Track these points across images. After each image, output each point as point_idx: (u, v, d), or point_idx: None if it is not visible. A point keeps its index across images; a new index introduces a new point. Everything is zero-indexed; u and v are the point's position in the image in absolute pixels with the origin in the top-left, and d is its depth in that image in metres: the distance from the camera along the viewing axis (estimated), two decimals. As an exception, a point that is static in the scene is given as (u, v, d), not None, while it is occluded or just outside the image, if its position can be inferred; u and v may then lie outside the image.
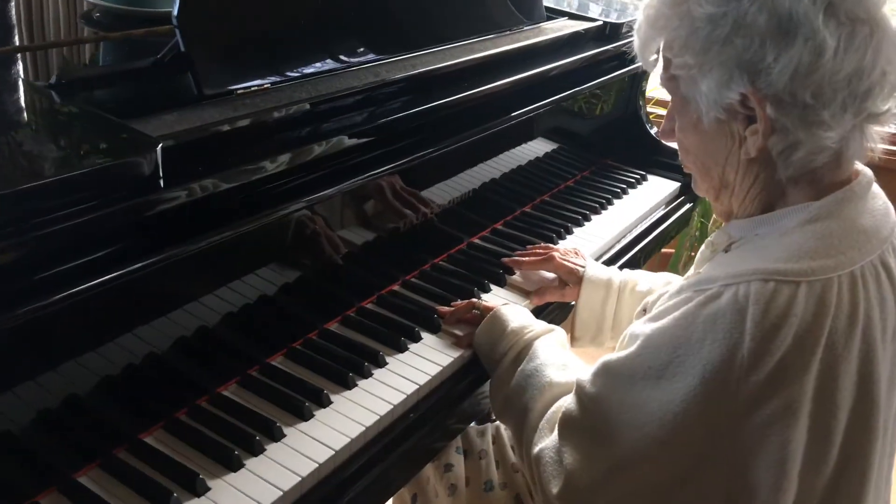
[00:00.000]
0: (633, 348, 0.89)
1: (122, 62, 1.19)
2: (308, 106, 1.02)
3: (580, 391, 0.95)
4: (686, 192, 1.84)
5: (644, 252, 1.69)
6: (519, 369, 1.09)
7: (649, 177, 1.85)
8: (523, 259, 1.40)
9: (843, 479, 0.87)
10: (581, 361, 1.10)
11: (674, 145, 0.99)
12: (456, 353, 1.17)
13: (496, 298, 1.32)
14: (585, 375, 0.96)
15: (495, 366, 1.14)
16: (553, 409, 1.01)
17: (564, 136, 1.71)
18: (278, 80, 1.06)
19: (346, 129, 1.05)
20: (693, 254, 2.41)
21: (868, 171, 0.93)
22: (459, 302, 1.25)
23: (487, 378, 1.17)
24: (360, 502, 0.97)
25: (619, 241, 1.61)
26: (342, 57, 1.17)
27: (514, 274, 1.39)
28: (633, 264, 1.64)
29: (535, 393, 1.04)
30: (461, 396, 1.15)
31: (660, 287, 1.30)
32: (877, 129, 0.87)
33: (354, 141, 1.05)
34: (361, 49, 1.21)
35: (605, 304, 1.32)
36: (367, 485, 0.98)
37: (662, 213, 1.76)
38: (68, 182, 0.74)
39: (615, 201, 1.72)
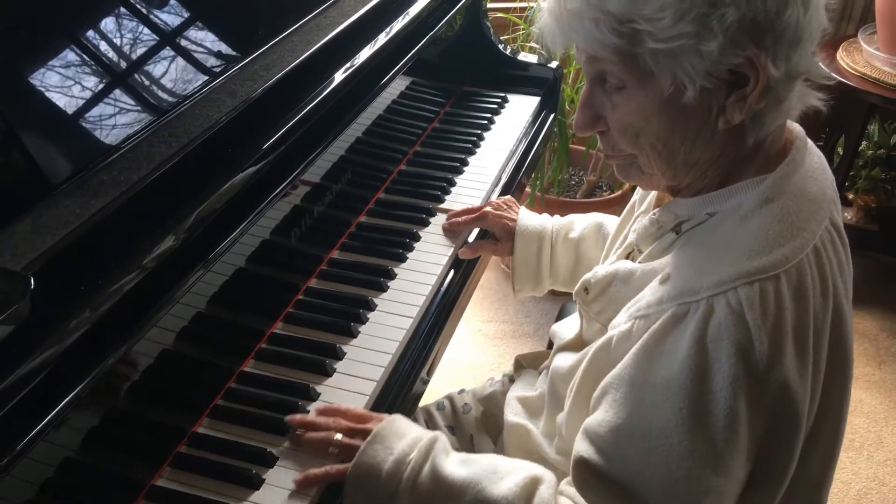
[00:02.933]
0: (646, 399, 0.83)
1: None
2: (176, 158, 0.89)
3: (600, 479, 0.86)
4: (547, 103, 1.83)
5: (528, 173, 1.68)
6: None
7: (510, 97, 1.81)
8: (458, 220, 1.37)
9: (819, 437, 0.91)
10: (478, 454, 0.98)
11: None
12: (385, 358, 1.13)
13: (406, 275, 1.28)
14: (590, 457, 0.86)
15: None
16: None
17: (417, 69, 1.62)
18: (128, 136, 0.92)
19: (228, 166, 0.93)
20: (554, 147, 2.42)
21: (799, 129, 0.93)
22: (315, 420, 1.01)
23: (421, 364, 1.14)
24: None
25: (501, 177, 1.58)
26: (189, 85, 1.03)
27: (414, 248, 1.35)
28: (520, 189, 1.63)
29: None
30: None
31: (589, 226, 1.30)
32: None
33: (244, 173, 0.94)
34: (201, 68, 1.07)
35: (540, 256, 1.31)
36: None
37: (532, 132, 1.73)
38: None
39: (485, 135, 1.67)
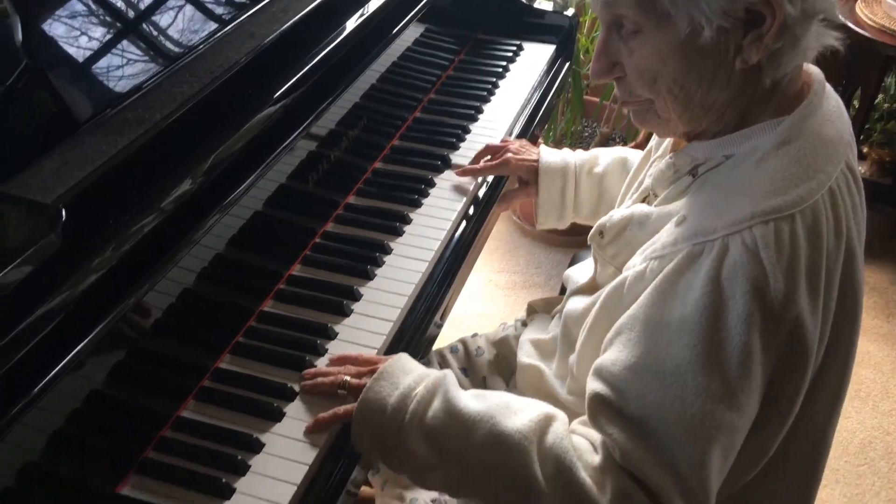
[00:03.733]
0: (661, 337, 0.85)
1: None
2: (198, 99, 0.90)
3: (616, 415, 0.87)
4: (562, 52, 1.82)
5: (541, 124, 1.69)
6: (453, 448, 0.90)
7: (525, 45, 1.80)
8: (476, 167, 1.38)
9: (826, 376, 0.93)
10: (492, 391, 0.98)
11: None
12: (402, 300, 1.15)
13: (422, 220, 1.29)
14: (606, 394, 0.87)
15: (398, 460, 0.93)
16: (565, 457, 0.87)
17: (431, 16, 1.61)
18: (151, 76, 0.93)
19: (246, 107, 0.95)
20: (568, 97, 2.42)
21: (818, 73, 0.93)
22: (324, 369, 1.03)
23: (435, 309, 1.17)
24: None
25: (516, 125, 1.58)
26: (206, 23, 1.04)
27: (429, 194, 1.36)
28: (533, 141, 1.64)
29: (518, 459, 0.87)
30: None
31: (612, 161, 1.31)
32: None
33: (262, 114, 0.96)
34: (220, 10, 1.07)
35: (564, 191, 1.32)
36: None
37: (547, 81, 1.73)
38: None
39: (500, 83, 1.67)
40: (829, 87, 0.94)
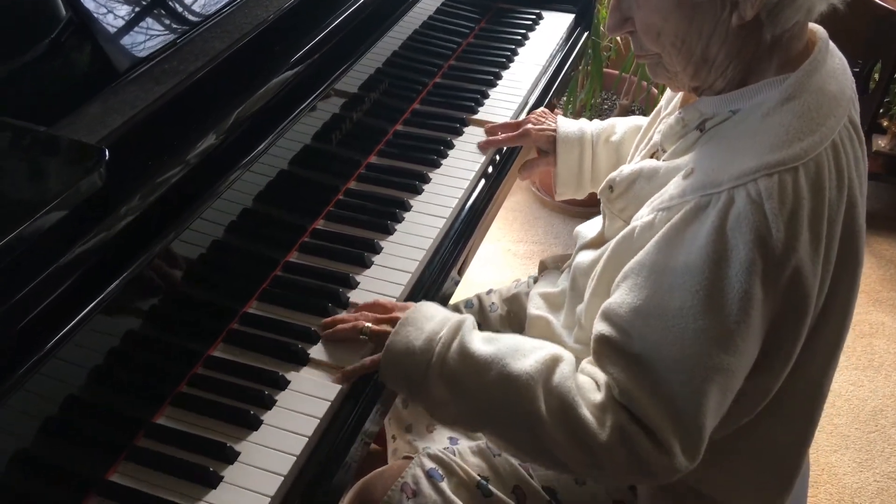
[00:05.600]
0: (665, 281, 0.89)
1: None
2: (229, 53, 0.96)
3: (619, 354, 0.91)
4: (580, 21, 1.85)
5: (559, 92, 1.72)
6: (467, 387, 0.96)
7: (544, 13, 1.83)
8: (497, 138, 1.41)
9: (827, 319, 0.96)
10: (507, 334, 1.02)
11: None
12: (420, 253, 1.20)
13: (440, 179, 1.34)
14: (611, 334, 0.92)
15: (420, 397, 0.99)
16: (568, 396, 0.92)
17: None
18: (185, 31, 0.99)
19: (277, 62, 1.00)
20: (588, 68, 2.44)
21: (822, 31, 0.96)
22: (344, 316, 1.08)
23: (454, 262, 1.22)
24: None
25: (533, 92, 1.62)
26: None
27: (448, 155, 1.41)
28: (550, 108, 1.68)
29: (526, 396, 0.92)
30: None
31: (629, 129, 1.33)
32: None
33: (291, 71, 1.01)
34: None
35: (581, 161, 1.35)
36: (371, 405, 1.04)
37: (565, 49, 1.77)
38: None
39: (519, 50, 1.71)
40: (832, 44, 0.97)
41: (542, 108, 1.47)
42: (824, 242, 0.89)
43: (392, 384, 1.00)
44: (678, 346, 0.89)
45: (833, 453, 1.96)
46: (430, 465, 1.11)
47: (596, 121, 1.40)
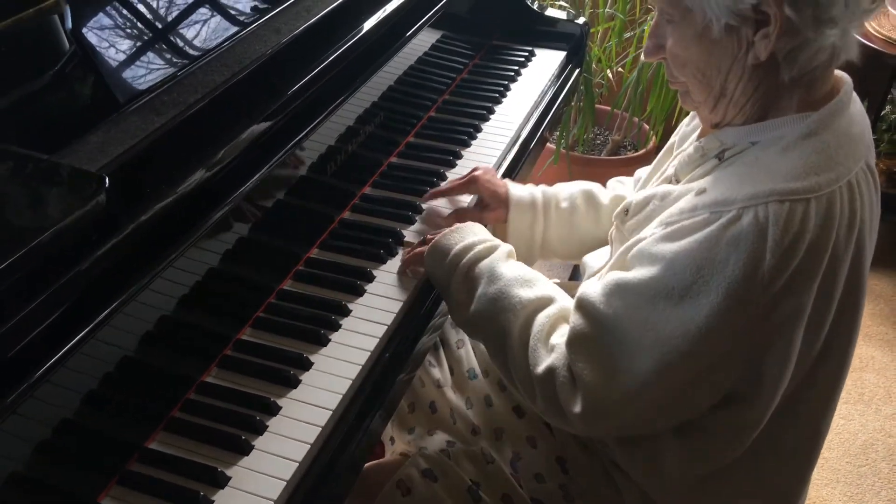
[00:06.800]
0: (653, 270, 0.91)
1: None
2: (228, 86, 0.99)
3: (591, 310, 0.96)
4: (572, 58, 1.90)
5: (550, 127, 1.76)
6: (478, 294, 1.09)
7: (537, 51, 1.88)
8: (442, 188, 1.37)
9: (825, 361, 0.98)
10: (536, 272, 1.13)
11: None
12: (412, 282, 1.22)
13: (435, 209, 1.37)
14: (592, 293, 0.97)
15: (447, 292, 1.15)
16: (538, 326, 1.03)
17: (449, 23, 1.70)
18: (186, 64, 1.02)
19: (274, 94, 1.03)
20: (580, 104, 2.49)
21: (847, 78, 0.97)
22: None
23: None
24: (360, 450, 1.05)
25: (525, 126, 1.66)
26: (236, 19, 1.12)
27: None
28: (542, 142, 1.71)
29: (509, 316, 1.05)
30: (428, 316, 1.21)
31: (577, 195, 1.33)
32: (858, 31, 0.90)
33: (289, 104, 1.04)
34: (249, 8, 1.16)
35: (533, 227, 1.34)
36: (364, 432, 1.05)
37: (557, 85, 1.81)
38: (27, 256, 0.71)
39: (512, 86, 1.75)
40: (855, 94, 0.98)
41: (487, 166, 1.43)
42: (821, 279, 0.89)
43: (430, 275, 1.18)
44: (640, 328, 0.92)
45: (824, 487, 1.97)
46: (424, 465, 1.16)
47: (542, 185, 1.38)
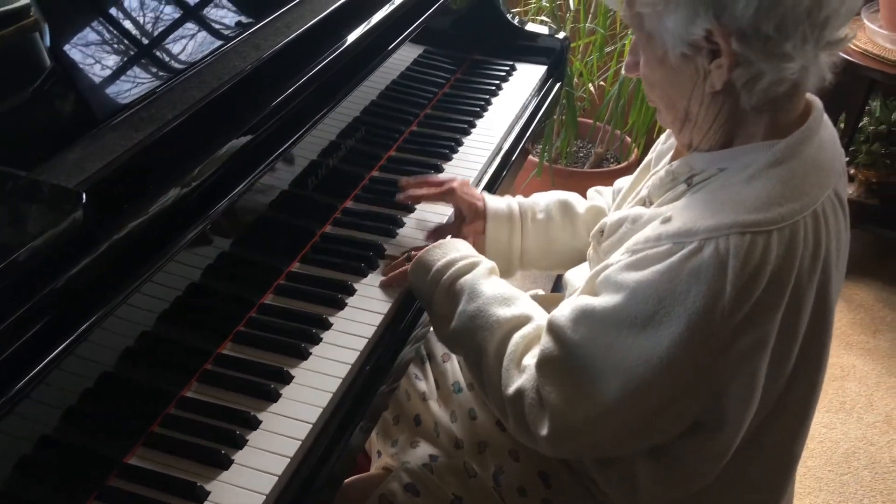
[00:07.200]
0: (617, 298, 0.92)
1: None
2: (206, 101, 1.00)
3: (560, 334, 0.97)
4: (553, 72, 1.92)
5: (531, 139, 1.78)
6: (458, 310, 1.10)
7: (518, 66, 1.89)
8: (420, 192, 1.37)
9: (793, 390, 0.98)
10: (517, 290, 1.14)
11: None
12: (393, 294, 1.23)
13: (414, 226, 1.38)
14: (561, 317, 0.98)
15: (429, 307, 1.17)
16: (512, 346, 1.04)
17: (431, 38, 1.72)
18: (165, 80, 1.02)
19: (254, 109, 1.03)
20: (562, 117, 2.51)
21: (818, 102, 0.97)
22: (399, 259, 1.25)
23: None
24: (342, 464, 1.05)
25: (507, 139, 1.67)
26: (215, 36, 1.13)
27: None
28: (524, 154, 1.73)
29: (486, 334, 1.06)
30: (409, 328, 1.22)
31: (553, 205, 1.34)
32: (828, 58, 0.89)
33: (269, 119, 1.04)
34: (229, 24, 1.17)
35: (511, 239, 1.34)
36: (344, 445, 1.05)
37: (538, 99, 1.82)
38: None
39: (493, 100, 1.76)
40: (826, 118, 0.98)
41: (463, 178, 1.42)
42: (784, 310, 0.89)
43: (414, 290, 1.20)
44: (604, 354, 0.93)
45: (807, 496, 1.98)
46: (407, 479, 1.16)
47: (519, 196, 1.38)
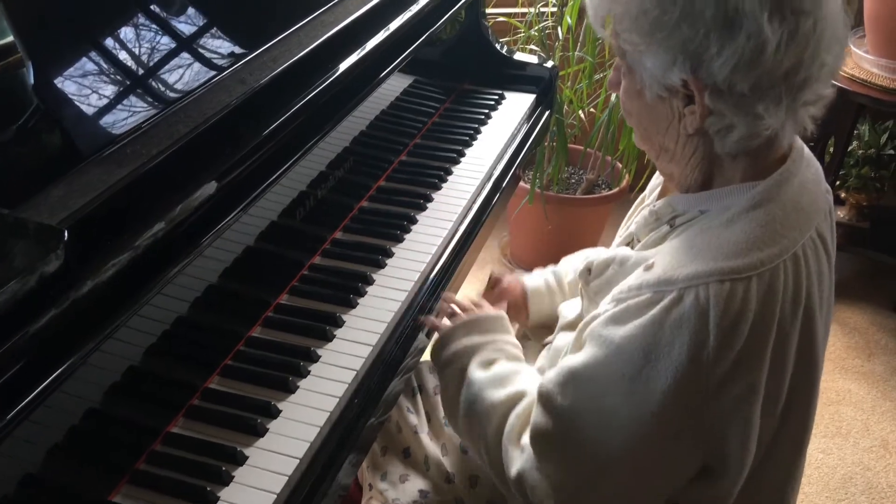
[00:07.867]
0: (604, 355, 0.91)
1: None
2: (192, 136, 1.00)
3: (548, 402, 0.97)
4: (542, 100, 1.93)
5: (521, 167, 1.78)
6: (462, 397, 1.15)
7: (507, 94, 1.91)
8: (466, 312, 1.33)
9: (784, 430, 0.98)
10: (514, 364, 1.17)
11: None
12: (382, 326, 1.23)
13: (403, 255, 1.38)
14: (549, 384, 0.97)
15: (442, 378, 1.21)
16: (508, 427, 1.07)
17: (420, 68, 1.73)
18: (150, 116, 1.03)
19: (241, 142, 1.04)
20: (554, 144, 2.52)
21: (799, 143, 0.97)
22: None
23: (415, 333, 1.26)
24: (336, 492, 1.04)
25: (496, 167, 1.68)
26: (204, 73, 1.14)
27: (411, 230, 1.44)
28: (514, 181, 1.74)
29: (483, 420, 1.10)
30: (398, 360, 1.21)
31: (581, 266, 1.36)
32: (810, 111, 0.89)
33: (256, 152, 1.05)
34: (214, 58, 1.18)
35: (552, 305, 1.39)
36: (332, 480, 1.04)
37: (527, 127, 1.83)
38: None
39: (482, 128, 1.77)
40: (808, 154, 0.99)
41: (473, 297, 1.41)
42: (771, 354, 0.89)
43: (432, 359, 1.24)
44: (597, 416, 0.93)
45: (804, 522, 1.96)
46: None
47: (550, 267, 1.46)
